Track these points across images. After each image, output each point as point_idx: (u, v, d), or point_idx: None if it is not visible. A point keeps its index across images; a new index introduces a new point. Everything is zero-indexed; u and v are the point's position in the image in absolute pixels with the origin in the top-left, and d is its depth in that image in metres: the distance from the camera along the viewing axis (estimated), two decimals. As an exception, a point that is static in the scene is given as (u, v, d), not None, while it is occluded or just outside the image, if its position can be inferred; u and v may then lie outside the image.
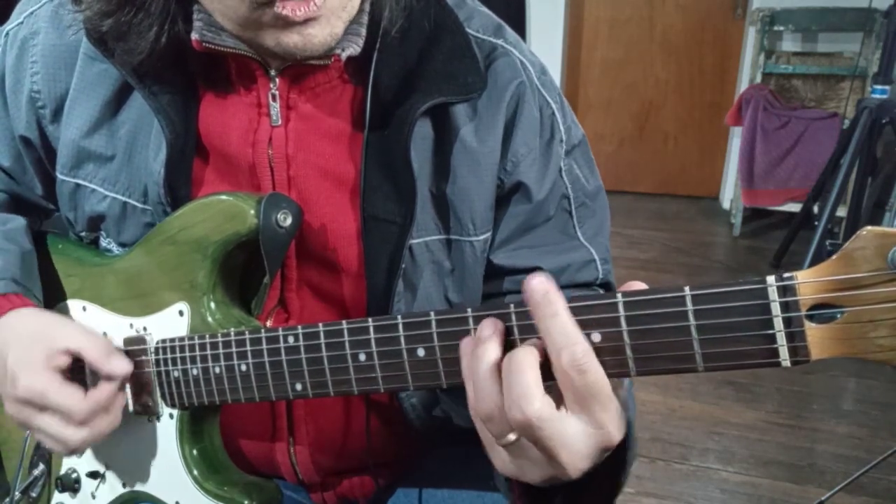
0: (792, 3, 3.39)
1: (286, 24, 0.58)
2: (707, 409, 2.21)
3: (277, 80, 0.67)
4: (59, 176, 0.74)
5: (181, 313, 0.68)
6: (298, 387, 0.60)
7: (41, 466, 0.79)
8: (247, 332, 0.62)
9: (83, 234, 0.77)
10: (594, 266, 0.76)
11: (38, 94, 0.72)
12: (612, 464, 0.50)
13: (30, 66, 0.72)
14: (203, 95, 0.70)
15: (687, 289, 0.44)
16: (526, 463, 0.48)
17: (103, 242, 0.75)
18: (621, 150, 4.23)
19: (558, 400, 0.45)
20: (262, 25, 0.59)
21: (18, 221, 0.77)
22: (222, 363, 0.64)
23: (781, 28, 3.44)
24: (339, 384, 0.57)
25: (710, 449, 2.05)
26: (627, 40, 4.03)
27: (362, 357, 0.56)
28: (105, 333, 0.72)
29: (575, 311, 0.45)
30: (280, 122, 0.68)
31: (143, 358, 0.69)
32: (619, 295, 0.46)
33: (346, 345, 0.56)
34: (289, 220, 0.65)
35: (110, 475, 0.75)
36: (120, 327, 0.71)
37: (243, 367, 0.62)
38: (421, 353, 0.53)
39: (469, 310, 0.50)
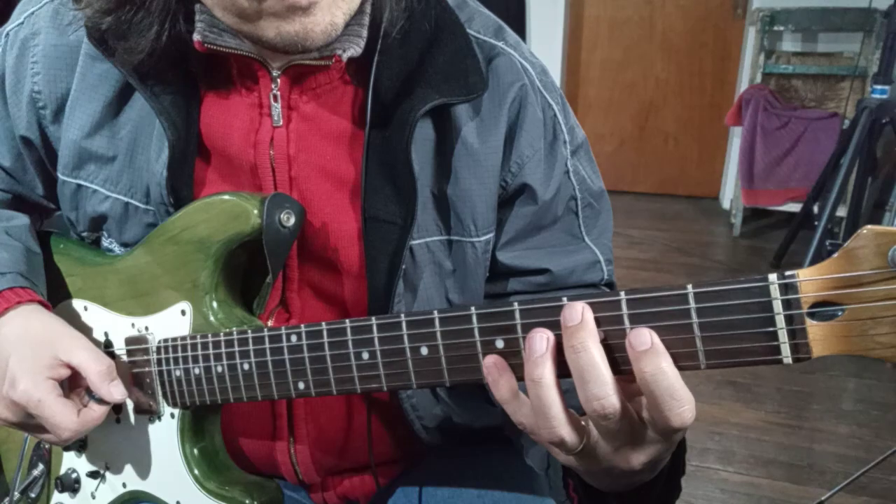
0: (792, 3, 3.39)
1: (289, 9, 0.58)
2: (707, 408, 2.21)
3: (279, 80, 0.67)
4: (61, 176, 0.74)
5: (183, 313, 0.68)
6: (301, 385, 0.60)
7: (40, 466, 0.79)
8: (249, 332, 0.62)
9: (85, 234, 0.77)
10: (599, 267, 0.77)
11: (39, 95, 0.72)
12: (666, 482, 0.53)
13: (30, 66, 0.72)
14: (204, 96, 0.70)
15: (689, 286, 0.44)
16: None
17: (105, 242, 0.75)
18: (621, 150, 4.23)
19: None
20: (263, 15, 0.59)
21: (22, 219, 0.77)
22: (225, 362, 0.64)
23: (781, 28, 3.44)
24: (342, 382, 0.58)
25: (710, 449, 2.05)
26: (627, 40, 4.03)
27: (365, 355, 0.56)
28: (106, 333, 0.72)
29: None
30: (281, 123, 0.68)
31: (145, 357, 0.69)
32: (621, 293, 0.46)
33: (350, 343, 0.56)
34: (292, 220, 0.65)
35: (110, 475, 0.75)
36: (121, 327, 0.71)
37: (246, 366, 0.62)
38: (424, 351, 0.53)
39: (472, 308, 0.51)
